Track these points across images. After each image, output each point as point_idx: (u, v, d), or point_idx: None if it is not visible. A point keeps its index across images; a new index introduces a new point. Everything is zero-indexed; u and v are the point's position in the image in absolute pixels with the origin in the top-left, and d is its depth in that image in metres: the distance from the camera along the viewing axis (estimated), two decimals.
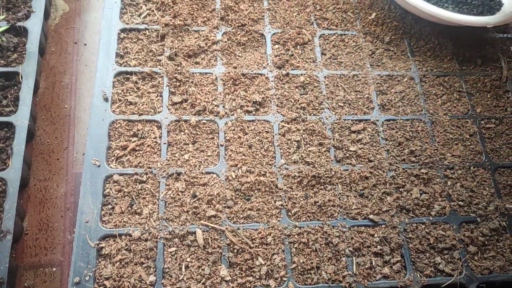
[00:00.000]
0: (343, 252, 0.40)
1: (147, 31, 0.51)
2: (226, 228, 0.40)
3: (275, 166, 0.44)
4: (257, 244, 0.40)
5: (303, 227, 0.41)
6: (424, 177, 0.45)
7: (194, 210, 0.41)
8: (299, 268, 0.39)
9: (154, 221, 0.40)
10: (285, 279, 0.39)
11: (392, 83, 0.52)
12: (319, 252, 0.40)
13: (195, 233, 0.39)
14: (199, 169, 0.43)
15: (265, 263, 0.39)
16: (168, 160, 0.43)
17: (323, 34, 0.54)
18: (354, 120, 0.48)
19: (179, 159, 0.43)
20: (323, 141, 0.46)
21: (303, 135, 0.46)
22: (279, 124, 0.47)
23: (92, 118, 0.44)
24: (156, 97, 0.47)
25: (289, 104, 0.48)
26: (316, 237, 0.41)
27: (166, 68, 0.48)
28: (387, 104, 0.50)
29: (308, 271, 0.39)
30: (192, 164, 0.43)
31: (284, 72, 0.50)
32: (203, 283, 0.37)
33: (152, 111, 0.46)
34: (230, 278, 0.38)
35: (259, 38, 0.53)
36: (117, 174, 0.42)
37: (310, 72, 0.51)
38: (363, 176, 0.45)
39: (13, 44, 0.47)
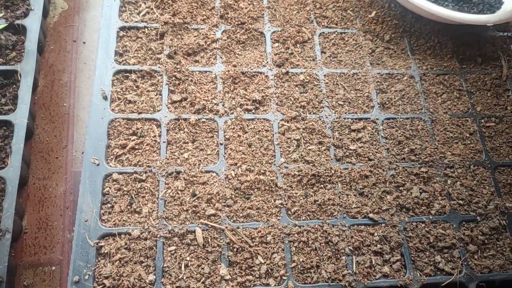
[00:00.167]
0: (343, 251, 0.40)
1: (146, 29, 0.50)
2: (226, 227, 0.40)
3: (274, 164, 0.44)
4: (256, 243, 0.40)
5: (303, 226, 0.41)
6: (424, 176, 0.45)
7: (194, 209, 0.41)
8: (299, 267, 0.39)
9: (153, 220, 0.40)
10: (285, 278, 0.39)
11: (392, 82, 0.52)
12: (319, 251, 0.40)
13: (194, 232, 0.39)
14: (198, 168, 0.43)
15: (264, 262, 0.39)
16: (168, 159, 0.43)
17: (323, 33, 0.54)
18: (354, 118, 0.48)
19: (178, 157, 0.43)
20: (323, 140, 0.46)
21: (303, 134, 0.46)
22: (278, 123, 0.47)
23: (91, 116, 0.44)
24: (156, 95, 0.47)
25: (289, 102, 0.48)
26: (316, 236, 0.41)
27: (165, 66, 0.48)
28: (387, 102, 0.50)
29: (308, 270, 0.39)
30: (192, 163, 0.43)
31: (283, 70, 0.50)
32: (203, 282, 0.37)
33: (152, 109, 0.46)
34: (230, 277, 0.38)
35: (259, 37, 0.53)
36: (116, 172, 0.42)
37: (310, 70, 0.50)
38: (363, 175, 0.45)
39: (11, 42, 0.47)
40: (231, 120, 0.46)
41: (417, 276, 0.40)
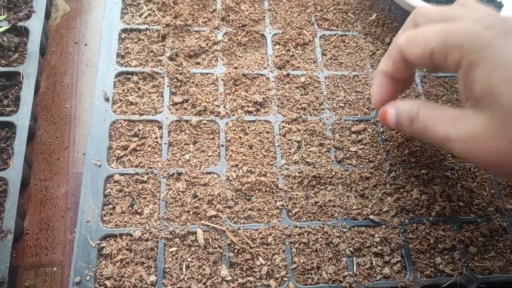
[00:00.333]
0: (343, 252, 0.40)
1: (148, 31, 0.51)
2: (227, 228, 0.40)
3: (275, 166, 0.44)
4: (257, 244, 0.40)
5: (304, 227, 0.41)
6: (424, 178, 0.46)
7: (195, 210, 0.41)
8: (300, 268, 0.39)
9: (154, 221, 0.40)
10: (285, 279, 0.39)
11: None
12: (319, 252, 0.40)
13: (195, 233, 0.40)
14: (199, 169, 0.43)
15: (265, 263, 0.39)
16: (169, 160, 0.43)
17: (324, 35, 0.54)
18: (355, 120, 0.48)
19: (180, 159, 0.43)
20: (323, 142, 0.46)
21: (304, 136, 0.46)
22: (279, 125, 0.47)
23: (93, 118, 0.44)
24: (157, 97, 0.47)
25: (289, 104, 0.48)
26: (317, 237, 0.41)
27: (167, 68, 0.48)
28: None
29: (309, 271, 0.39)
30: (193, 164, 0.43)
31: (284, 72, 0.50)
32: (204, 283, 0.38)
33: (153, 111, 0.46)
34: (231, 278, 0.38)
35: (260, 39, 0.53)
36: (118, 174, 0.42)
37: (310, 72, 0.51)
38: (363, 177, 0.45)
39: (14, 44, 0.47)
40: (232, 121, 0.46)
41: (418, 277, 0.40)
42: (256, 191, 0.43)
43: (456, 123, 0.33)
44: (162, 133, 0.44)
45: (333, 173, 0.44)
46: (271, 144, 0.45)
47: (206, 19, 0.53)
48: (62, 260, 0.40)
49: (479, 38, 0.31)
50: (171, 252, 0.39)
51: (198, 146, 0.45)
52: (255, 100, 0.47)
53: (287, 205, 0.42)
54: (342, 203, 0.43)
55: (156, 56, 0.49)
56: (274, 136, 0.46)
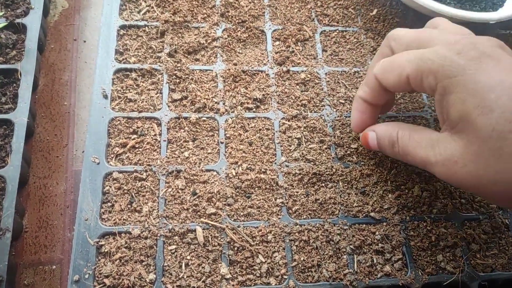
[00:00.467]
0: (344, 250, 0.40)
1: (146, 27, 0.50)
2: (227, 226, 0.40)
3: (275, 163, 0.44)
4: (257, 242, 0.40)
5: (304, 225, 0.41)
6: (425, 175, 0.45)
7: (194, 207, 0.40)
8: (300, 266, 0.39)
9: (154, 218, 0.40)
10: (285, 277, 0.38)
11: None
12: (320, 250, 0.40)
13: (195, 231, 0.39)
14: (199, 167, 0.43)
15: (265, 261, 0.39)
16: (168, 158, 0.43)
17: (324, 31, 0.54)
18: None
19: (179, 156, 0.43)
20: (324, 139, 0.46)
21: (304, 132, 0.46)
22: (279, 121, 0.46)
23: (91, 115, 0.44)
24: (156, 94, 0.46)
25: (289, 101, 0.48)
26: (317, 235, 0.41)
27: (166, 65, 0.48)
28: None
29: (309, 269, 0.39)
30: (192, 162, 0.43)
31: (284, 69, 0.50)
32: (203, 281, 0.37)
33: (152, 108, 0.45)
34: (231, 276, 0.38)
35: (260, 35, 0.52)
36: (116, 171, 0.41)
37: (311, 69, 0.50)
38: (364, 174, 0.44)
39: (12, 41, 0.47)
40: (231, 118, 0.46)
41: (419, 275, 0.40)
42: (256, 189, 0.42)
43: (434, 147, 0.34)
44: (161, 130, 0.44)
45: (334, 170, 0.44)
46: (271, 141, 0.45)
47: (205, 15, 0.52)
48: (61, 258, 0.40)
49: (451, 64, 0.32)
50: (170, 250, 0.38)
51: (197, 143, 0.44)
52: (255, 97, 0.47)
53: (287, 203, 0.42)
54: (342, 200, 0.43)
55: (155, 52, 0.49)
56: (274, 133, 0.46)
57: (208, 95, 0.47)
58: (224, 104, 0.46)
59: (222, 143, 0.44)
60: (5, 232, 0.37)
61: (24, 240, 0.40)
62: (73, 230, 0.39)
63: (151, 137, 0.44)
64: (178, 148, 0.44)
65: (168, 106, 0.46)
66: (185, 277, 0.37)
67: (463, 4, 0.53)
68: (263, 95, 0.48)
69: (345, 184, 0.44)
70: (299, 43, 0.52)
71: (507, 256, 0.42)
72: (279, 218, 0.41)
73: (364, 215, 0.42)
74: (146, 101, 0.46)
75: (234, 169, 0.43)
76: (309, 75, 0.50)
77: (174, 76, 0.47)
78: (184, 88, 0.47)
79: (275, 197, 0.42)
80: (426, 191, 0.44)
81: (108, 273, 0.37)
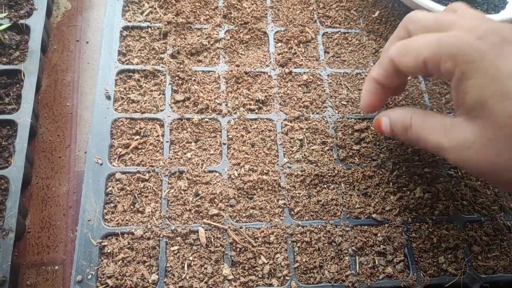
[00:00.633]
0: (346, 251, 0.40)
1: (149, 29, 0.50)
2: (229, 227, 0.40)
3: (278, 164, 0.44)
4: (259, 243, 0.40)
5: (306, 226, 0.41)
6: (427, 176, 0.45)
7: (197, 208, 0.41)
8: (302, 267, 0.39)
9: (156, 219, 0.40)
10: (287, 278, 0.38)
11: None
12: (322, 251, 0.40)
13: (197, 231, 0.39)
14: (201, 168, 0.43)
15: (267, 262, 0.39)
16: (171, 159, 0.43)
17: (326, 32, 0.54)
18: (358, 118, 0.48)
19: (181, 157, 0.43)
20: (326, 140, 0.46)
21: (306, 134, 0.46)
22: (282, 123, 0.46)
23: (94, 116, 0.44)
24: (159, 95, 0.47)
25: (292, 102, 0.48)
26: (319, 236, 0.41)
27: (168, 66, 0.48)
28: (390, 102, 0.50)
29: (311, 270, 0.39)
30: (195, 163, 0.43)
31: (287, 70, 0.50)
32: (206, 282, 0.37)
33: (155, 109, 0.46)
34: (233, 277, 0.38)
35: (262, 36, 0.52)
36: (119, 172, 0.42)
37: (313, 70, 0.50)
38: (366, 175, 0.44)
39: (15, 42, 0.47)
40: (234, 120, 0.46)
41: (421, 276, 0.40)
42: (258, 190, 0.42)
43: (448, 132, 0.34)
44: (163, 131, 0.44)
45: (336, 171, 0.44)
46: (273, 143, 0.45)
47: (207, 17, 0.52)
48: (64, 259, 0.40)
49: (471, 49, 0.31)
50: (173, 251, 0.38)
51: (200, 144, 0.44)
52: (257, 98, 0.47)
53: (289, 204, 0.42)
54: (344, 201, 0.43)
55: (158, 54, 0.49)
56: (276, 135, 0.46)
57: (210, 96, 0.47)
58: (226, 105, 0.47)
59: (224, 144, 0.44)
60: (8, 232, 0.37)
61: (27, 240, 0.41)
62: (76, 231, 0.39)
63: (154, 138, 0.44)
64: (180, 149, 0.44)
65: (171, 107, 0.46)
66: (187, 278, 0.37)
67: None
68: (266, 96, 0.48)
69: (347, 186, 0.44)
70: (301, 45, 0.52)
71: (509, 258, 0.42)
72: (281, 219, 0.41)
73: (366, 216, 0.42)
74: (149, 102, 0.46)
75: (237, 170, 0.43)
76: (311, 77, 0.50)
77: (176, 77, 0.47)
78: (187, 89, 0.47)
79: (277, 198, 0.42)
80: (428, 193, 0.44)
81: (111, 273, 0.37)
